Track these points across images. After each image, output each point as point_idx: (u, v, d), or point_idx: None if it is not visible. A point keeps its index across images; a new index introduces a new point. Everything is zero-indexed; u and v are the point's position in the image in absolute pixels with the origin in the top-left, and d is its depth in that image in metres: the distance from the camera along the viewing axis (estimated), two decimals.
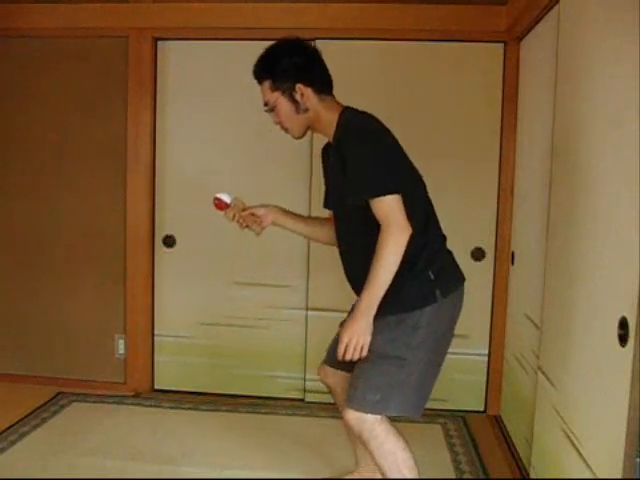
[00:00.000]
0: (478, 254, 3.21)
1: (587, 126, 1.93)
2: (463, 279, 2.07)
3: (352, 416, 1.95)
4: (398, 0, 3.09)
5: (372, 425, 1.94)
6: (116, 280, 3.42)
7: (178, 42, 3.33)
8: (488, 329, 3.25)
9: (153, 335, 3.47)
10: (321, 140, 2.17)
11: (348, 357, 1.91)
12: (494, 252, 3.21)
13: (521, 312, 2.84)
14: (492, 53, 3.14)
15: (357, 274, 2.02)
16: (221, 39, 3.27)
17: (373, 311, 1.88)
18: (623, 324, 1.56)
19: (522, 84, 3.04)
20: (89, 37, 3.32)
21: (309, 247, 3.30)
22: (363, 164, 1.88)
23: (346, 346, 1.90)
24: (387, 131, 1.97)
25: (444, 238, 2.07)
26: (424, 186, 2.05)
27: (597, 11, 1.91)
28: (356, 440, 2.35)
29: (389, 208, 1.85)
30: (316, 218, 2.36)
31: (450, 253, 2.08)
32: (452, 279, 2.03)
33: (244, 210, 2.21)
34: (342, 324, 2.08)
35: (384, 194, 1.85)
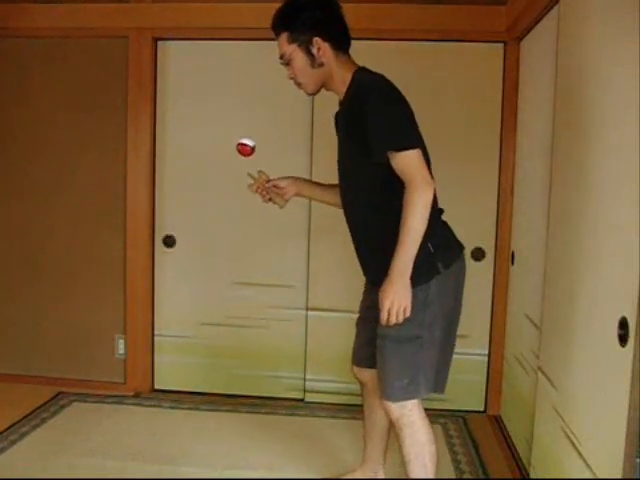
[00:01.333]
0: (478, 254, 3.21)
1: (587, 126, 1.93)
2: (462, 247, 2.05)
3: (390, 404, 1.98)
4: (398, 0, 3.09)
5: (411, 410, 1.98)
6: (116, 280, 3.42)
7: (178, 42, 3.33)
8: (488, 329, 3.25)
9: (153, 335, 3.47)
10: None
11: (392, 322, 1.85)
12: (494, 252, 3.21)
13: (521, 312, 2.84)
14: (492, 53, 3.14)
15: (364, 241, 2.03)
16: (221, 39, 3.27)
17: (409, 271, 1.83)
18: (623, 324, 1.56)
19: (522, 84, 3.04)
20: (89, 37, 3.32)
21: (309, 247, 3.30)
22: (384, 118, 1.84)
23: (388, 311, 1.84)
24: (401, 92, 1.92)
25: (441, 211, 2.06)
26: (428, 158, 2.00)
27: (597, 11, 1.91)
28: (371, 437, 2.36)
29: (413, 162, 1.83)
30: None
31: (446, 224, 2.06)
32: (451, 250, 2.02)
33: (267, 182, 2.21)
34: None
35: (408, 148, 1.83)
